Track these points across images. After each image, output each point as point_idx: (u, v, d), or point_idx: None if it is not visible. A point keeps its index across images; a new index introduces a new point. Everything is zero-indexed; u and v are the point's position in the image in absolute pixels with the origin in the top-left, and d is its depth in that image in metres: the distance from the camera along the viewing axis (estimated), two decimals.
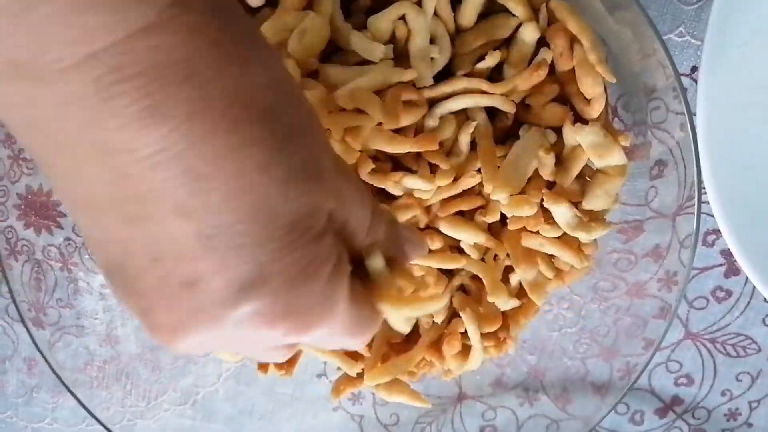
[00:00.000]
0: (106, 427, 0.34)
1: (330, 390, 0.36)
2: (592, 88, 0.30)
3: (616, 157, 0.31)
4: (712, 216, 0.35)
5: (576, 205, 0.32)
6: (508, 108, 0.30)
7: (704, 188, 0.33)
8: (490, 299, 0.33)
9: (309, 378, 0.39)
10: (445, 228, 0.32)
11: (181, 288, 0.18)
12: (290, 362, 0.35)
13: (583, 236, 0.32)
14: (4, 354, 0.40)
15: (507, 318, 0.35)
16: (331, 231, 0.20)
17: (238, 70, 0.17)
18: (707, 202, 0.33)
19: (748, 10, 0.31)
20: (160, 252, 0.18)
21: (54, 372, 0.33)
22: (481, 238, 0.32)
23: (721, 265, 0.37)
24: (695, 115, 0.32)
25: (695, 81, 0.35)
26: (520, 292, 0.34)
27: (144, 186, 0.17)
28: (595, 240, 0.33)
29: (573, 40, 0.30)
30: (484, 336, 0.34)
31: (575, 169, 0.31)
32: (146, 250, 0.18)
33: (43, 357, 0.34)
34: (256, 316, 0.18)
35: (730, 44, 0.32)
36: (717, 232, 0.37)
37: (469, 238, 0.32)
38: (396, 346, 0.35)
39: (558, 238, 0.32)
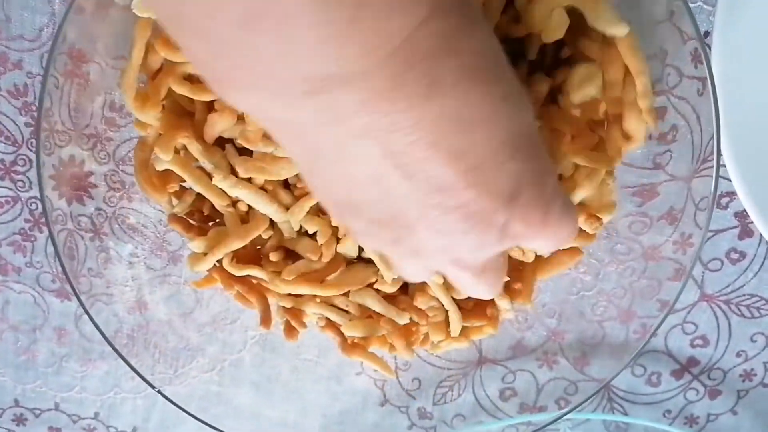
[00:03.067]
0: (150, 384, 0.35)
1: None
2: (636, 131, 0.31)
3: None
4: (726, 179, 0.35)
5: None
6: None
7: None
8: None
9: (332, 345, 0.40)
10: None
11: (456, 211, 0.22)
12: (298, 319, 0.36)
13: None
14: (34, 324, 0.41)
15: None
16: None
17: (478, 38, 0.21)
18: (723, 165, 0.34)
19: None
20: (438, 191, 0.22)
21: (98, 329, 0.34)
22: None
23: (735, 227, 0.38)
24: (707, 79, 0.33)
25: (708, 46, 0.36)
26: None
27: (423, 142, 0.20)
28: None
29: (626, 75, 0.31)
30: (470, 313, 0.35)
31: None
32: (425, 195, 0.22)
33: (90, 318, 0.35)
34: (518, 215, 0.23)
35: (743, 7, 0.33)
36: (730, 194, 0.38)
37: None
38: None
39: None
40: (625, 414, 0.42)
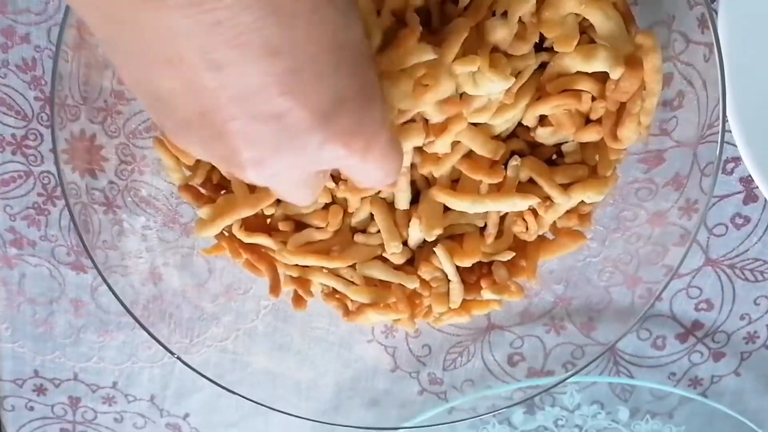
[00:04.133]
0: (169, 351, 0.36)
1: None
2: (628, 138, 0.31)
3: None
4: (731, 144, 0.36)
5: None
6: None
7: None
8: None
9: None
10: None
11: (269, 120, 0.20)
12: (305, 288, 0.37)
13: None
14: (51, 296, 0.42)
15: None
16: None
17: None
18: (728, 131, 0.34)
19: None
20: (250, 93, 0.20)
21: (117, 298, 0.35)
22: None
23: (740, 192, 0.39)
24: (714, 44, 0.33)
25: (714, 11, 0.36)
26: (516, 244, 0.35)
27: (234, 30, 0.18)
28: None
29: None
30: (473, 287, 0.36)
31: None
32: (235, 94, 0.20)
33: (109, 287, 0.35)
34: (337, 136, 0.21)
35: None
36: (736, 159, 0.38)
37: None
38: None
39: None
40: (631, 377, 0.43)
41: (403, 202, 0.33)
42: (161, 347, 0.43)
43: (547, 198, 0.32)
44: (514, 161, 0.32)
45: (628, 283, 0.38)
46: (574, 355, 0.40)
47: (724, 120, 0.33)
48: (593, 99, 0.30)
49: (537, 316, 0.41)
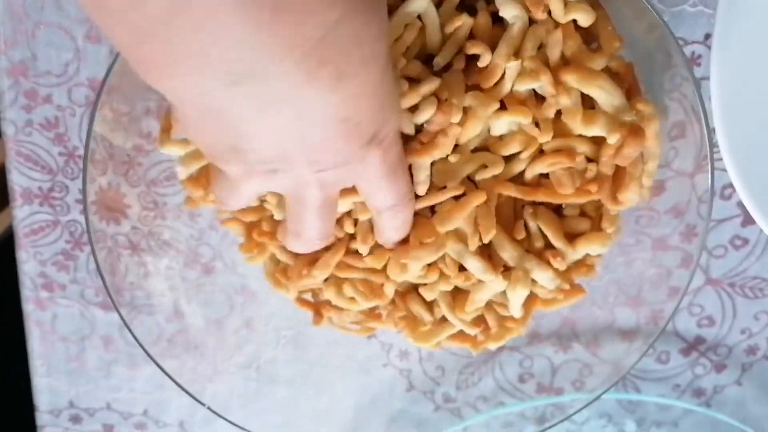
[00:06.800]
0: (182, 388, 0.38)
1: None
2: (630, 200, 0.32)
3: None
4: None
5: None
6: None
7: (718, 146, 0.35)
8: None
9: (361, 340, 0.43)
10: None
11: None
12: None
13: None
14: (82, 334, 0.44)
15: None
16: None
17: (376, 23, 0.23)
18: (720, 159, 0.36)
19: None
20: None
21: (138, 341, 0.37)
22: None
23: (737, 216, 0.40)
24: (709, 79, 0.34)
25: (709, 47, 0.37)
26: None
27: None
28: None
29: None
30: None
31: None
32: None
33: (129, 330, 0.37)
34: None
35: (742, 11, 0.34)
36: (733, 186, 0.40)
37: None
38: None
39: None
40: (637, 390, 0.45)
41: None
42: (188, 377, 0.45)
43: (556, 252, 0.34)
44: (530, 209, 0.33)
45: (632, 305, 0.40)
46: (582, 373, 0.42)
47: (713, 153, 0.34)
48: (589, 160, 0.32)
49: (545, 337, 0.43)
